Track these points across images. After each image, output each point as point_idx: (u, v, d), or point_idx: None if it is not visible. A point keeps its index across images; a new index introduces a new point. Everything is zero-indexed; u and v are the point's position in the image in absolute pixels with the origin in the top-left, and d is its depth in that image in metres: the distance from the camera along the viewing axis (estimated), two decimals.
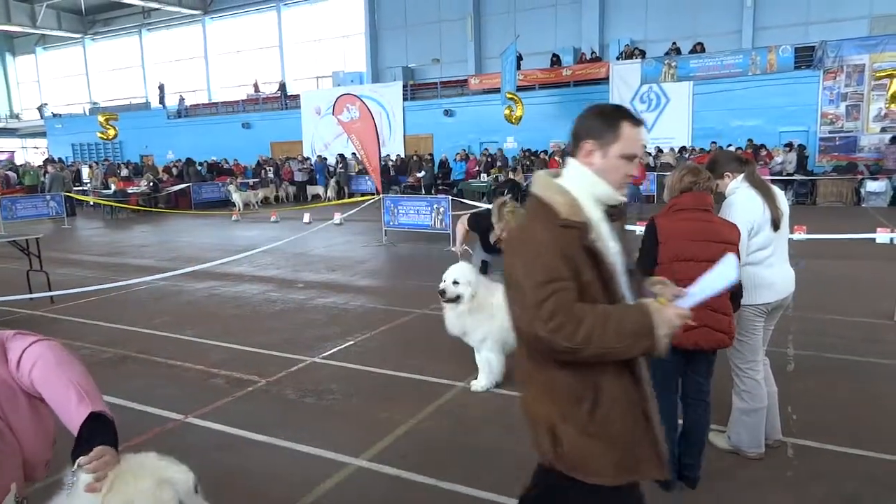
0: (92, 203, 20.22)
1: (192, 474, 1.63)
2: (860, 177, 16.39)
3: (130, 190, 20.33)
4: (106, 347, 5.90)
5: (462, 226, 5.11)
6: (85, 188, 22.90)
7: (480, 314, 4.41)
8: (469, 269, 4.46)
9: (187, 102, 31.79)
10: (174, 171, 23.73)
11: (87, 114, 34.26)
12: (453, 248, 5.16)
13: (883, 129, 17.60)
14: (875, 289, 7.31)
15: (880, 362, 4.99)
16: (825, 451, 3.56)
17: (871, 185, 16.11)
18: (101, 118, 23.79)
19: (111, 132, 23.78)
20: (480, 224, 4.85)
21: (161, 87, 32.38)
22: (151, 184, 20.58)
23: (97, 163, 27.77)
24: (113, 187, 20.97)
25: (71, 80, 38.20)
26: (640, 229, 7.72)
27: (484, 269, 4.93)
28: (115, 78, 36.62)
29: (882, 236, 10.18)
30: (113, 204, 19.15)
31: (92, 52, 37.14)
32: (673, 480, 3.18)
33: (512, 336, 4.45)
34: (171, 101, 32.12)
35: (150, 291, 8.42)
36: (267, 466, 3.55)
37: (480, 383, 4.55)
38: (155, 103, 33.16)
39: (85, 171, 25.74)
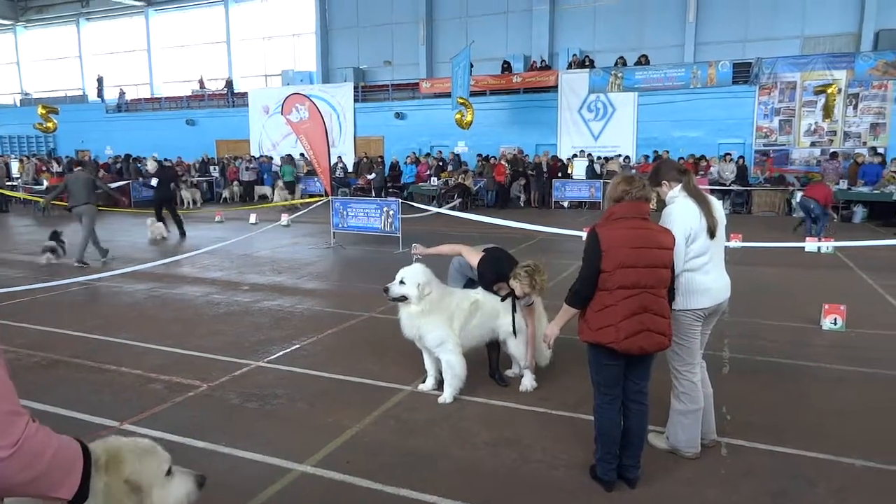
0: (22, 199, 19.21)
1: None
2: (791, 188, 17.24)
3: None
4: (35, 351, 5.61)
5: (452, 251, 4.81)
6: (14, 183, 21.75)
7: (436, 316, 4.34)
8: (422, 270, 4.37)
9: (128, 97, 30.62)
10: (114, 167, 22.81)
11: (19, 105, 32.56)
12: (413, 253, 5.03)
13: (813, 144, 18.59)
14: (803, 295, 7.70)
15: (807, 364, 5.26)
16: (756, 450, 3.72)
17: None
18: (41, 110, 22.67)
19: (51, 125, 22.70)
20: (496, 274, 4.55)
21: (100, 80, 31.06)
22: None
23: (28, 157, 26.42)
24: (46, 183, 19.97)
25: (0, 69, 36.23)
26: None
27: (470, 284, 4.86)
28: (50, 68, 34.94)
29: (811, 245, 10.73)
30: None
31: (24, 39, 35.31)
32: (614, 480, 3.27)
33: (474, 339, 4.49)
34: (111, 95, 30.86)
35: (84, 293, 8.07)
36: (208, 473, 3.43)
37: (446, 398, 4.41)
38: (93, 96, 31.80)
39: (15, 166, 24.45)
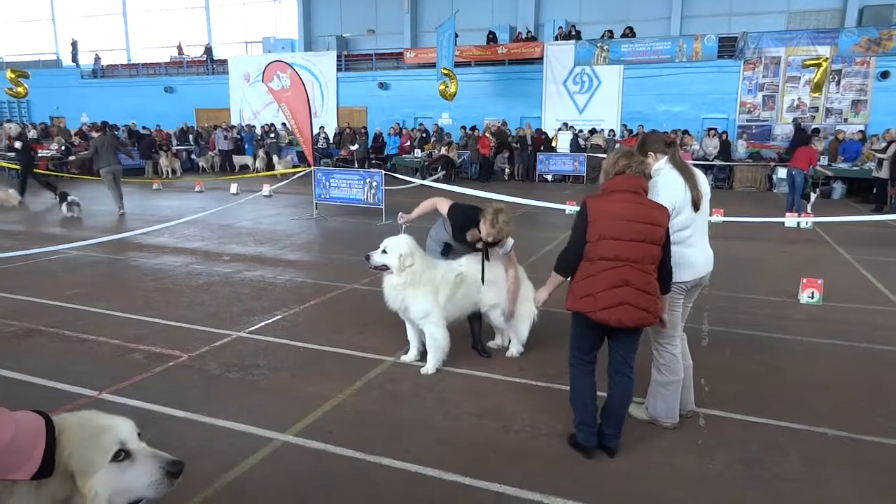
0: None
1: (132, 422, 1.67)
2: (773, 164, 17.37)
3: (39, 153, 18.92)
4: (10, 321, 5.52)
5: (430, 204, 4.81)
6: None
7: (422, 288, 4.32)
8: (407, 241, 4.35)
9: (104, 62, 29.77)
10: (91, 134, 22.27)
11: None
12: (399, 221, 5.01)
13: (795, 120, 18.68)
14: (782, 269, 7.81)
15: (783, 337, 5.35)
16: (733, 420, 3.79)
17: (782, 172, 17.10)
18: (10, 74, 21.96)
19: (21, 89, 22.01)
20: (465, 217, 4.58)
21: (74, 44, 30.15)
22: (63, 147, 19.24)
23: (0, 122, 25.68)
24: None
25: None
26: None
27: (446, 252, 4.84)
28: (21, 31, 33.79)
29: (790, 220, 10.87)
30: (19, 168, 17.78)
31: None
32: (594, 446, 3.31)
33: (458, 311, 4.49)
34: (86, 60, 29.97)
35: (60, 262, 7.93)
36: (188, 443, 3.43)
37: (429, 369, 4.43)
38: (67, 61, 30.89)
39: None
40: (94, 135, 12.29)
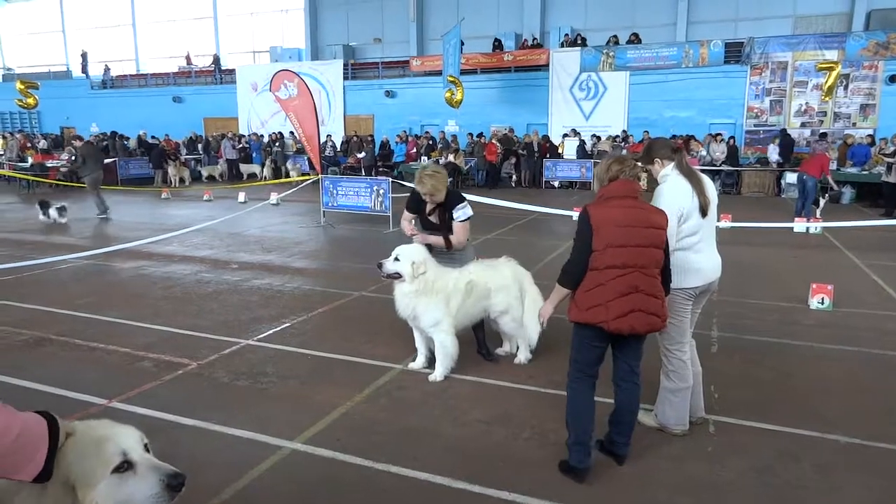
0: (6, 176, 18.93)
1: (139, 432, 1.65)
2: (781, 169, 17.29)
3: (49, 163, 19.13)
4: (21, 329, 5.56)
5: (405, 216, 4.90)
6: None
7: (432, 297, 4.32)
8: (419, 249, 4.38)
9: (113, 73, 30.05)
10: (75, 144, 22.45)
11: (1, 80, 31.91)
12: (408, 234, 5.04)
13: (803, 125, 18.61)
14: (791, 275, 7.76)
15: (793, 343, 5.31)
16: (743, 427, 3.76)
17: (791, 177, 17.01)
18: (19, 85, 22.20)
19: (31, 101, 22.25)
20: (413, 196, 4.74)
21: (84, 55, 30.46)
22: (73, 157, 19.41)
23: (12, 133, 25.97)
24: (30, 160, 19.69)
25: None
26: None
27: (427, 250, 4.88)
28: (33, 43, 34.20)
29: (799, 225, 10.81)
30: (30, 178, 17.99)
31: (5, 13, 34.50)
32: (588, 468, 3.19)
33: (469, 319, 4.50)
34: (96, 71, 30.28)
35: (70, 271, 7.99)
36: (197, 451, 3.44)
37: (437, 376, 4.43)
38: (77, 72, 31.21)
39: None
40: (77, 144, 13.08)
